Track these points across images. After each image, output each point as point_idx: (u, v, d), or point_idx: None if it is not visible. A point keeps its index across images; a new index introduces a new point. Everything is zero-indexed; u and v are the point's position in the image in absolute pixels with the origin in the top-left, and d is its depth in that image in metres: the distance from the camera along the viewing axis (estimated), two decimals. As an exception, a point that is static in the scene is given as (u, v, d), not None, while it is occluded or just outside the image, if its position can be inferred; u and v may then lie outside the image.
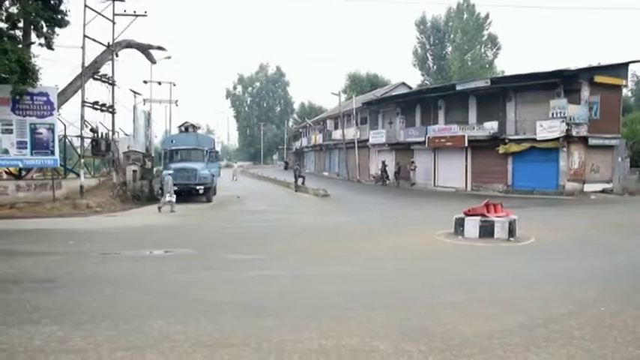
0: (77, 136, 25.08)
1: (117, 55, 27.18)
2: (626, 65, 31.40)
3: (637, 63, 33.35)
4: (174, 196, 21.93)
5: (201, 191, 25.00)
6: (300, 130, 78.30)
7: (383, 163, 40.17)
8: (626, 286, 8.32)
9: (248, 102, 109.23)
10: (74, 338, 5.54)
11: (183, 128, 30.64)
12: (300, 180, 34.10)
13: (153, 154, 34.48)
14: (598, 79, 28.80)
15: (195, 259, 11.08)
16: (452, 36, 71.60)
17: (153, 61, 32.38)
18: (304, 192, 31.78)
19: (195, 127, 31.50)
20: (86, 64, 24.41)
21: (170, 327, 5.93)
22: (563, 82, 28.29)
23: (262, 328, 5.94)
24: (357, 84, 75.86)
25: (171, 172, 24.82)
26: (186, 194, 24.93)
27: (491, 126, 30.81)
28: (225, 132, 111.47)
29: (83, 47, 23.96)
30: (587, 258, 11.20)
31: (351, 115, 49.33)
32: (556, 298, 7.55)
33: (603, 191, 28.95)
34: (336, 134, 52.39)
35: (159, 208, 21.78)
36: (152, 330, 5.85)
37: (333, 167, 56.91)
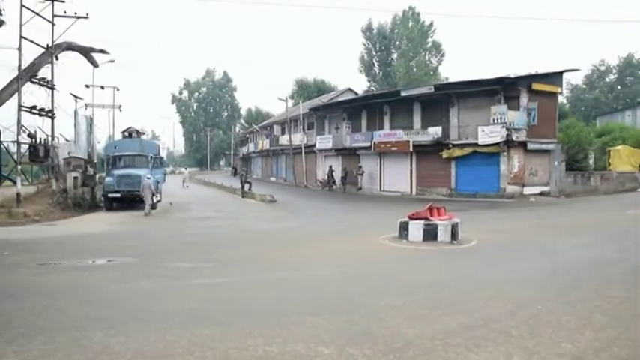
0: (14, 142, 24.15)
1: (57, 58, 26.41)
2: (560, 74, 32.64)
3: (571, 72, 34.79)
4: (156, 197, 23.35)
5: None
6: (247, 135, 77.88)
7: (330, 168, 40.32)
8: (561, 285, 8.64)
9: (194, 107, 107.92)
10: (7, 354, 5.31)
11: (127, 134, 30.00)
12: (246, 186, 33.87)
13: (95, 161, 33.55)
14: (535, 86, 29.79)
15: (139, 268, 10.83)
16: (397, 43, 72.79)
17: (95, 65, 31.61)
18: (251, 198, 31.56)
19: (139, 133, 30.92)
20: (23, 67, 23.58)
21: (110, 338, 5.76)
22: (503, 89, 29.08)
23: (207, 337, 5.86)
24: (304, 89, 76.11)
25: (113, 178, 24.33)
26: (130, 201, 24.40)
27: (435, 131, 31.36)
28: (171, 138, 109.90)
29: (20, 49, 23.11)
30: (526, 259, 11.57)
31: (298, 120, 49.33)
32: (496, 298, 7.75)
33: (541, 194, 29.90)
34: (283, 140, 52.33)
35: (145, 214, 22.47)
36: (91, 342, 5.66)
37: (280, 173, 56.79)
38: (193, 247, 13.99)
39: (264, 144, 61.05)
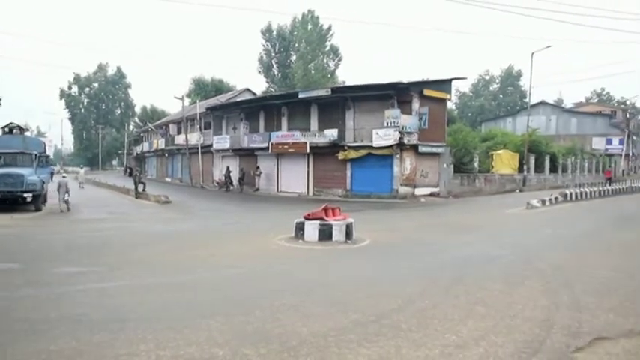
0: None
1: None
2: (450, 81, 34.33)
3: (459, 80, 36.73)
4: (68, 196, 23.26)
5: (29, 199, 22.80)
6: (142, 134, 75.37)
7: (227, 168, 39.86)
8: (447, 280, 9.12)
9: (85, 103, 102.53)
10: None
11: (7, 130, 27.98)
12: (140, 186, 32.72)
13: (-30, 159, 30.94)
14: (427, 92, 31.14)
15: (20, 274, 10.04)
16: (296, 45, 73.32)
17: (-30, 55, 29.22)
18: (145, 199, 30.50)
19: (22, 129, 28.92)
20: None
21: (-15, 351, 5.37)
22: (396, 94, 30.14)
23: (95, 344, 5.62)
24: (202, 88, 74.87)
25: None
26: (12, 203, 22.75)
27: (331, 133, 31.89)
28: (59, 135, 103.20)
29: None
30: (416, 256, 12.08)
31: (194, 119, 48.41)
32: (387, 295, 8.04)
33: (431, 195, 31.31)
34: (179, 139, 51.10)
35: (61, 211, 22.81)
36: (-37, 356, 5.26)
37: (175, 173, 55.43)
38: (83, 251, 13.25)
39: (160, 143, 59.32)
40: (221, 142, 42.38)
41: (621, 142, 64.27)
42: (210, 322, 6.47)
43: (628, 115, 70.44)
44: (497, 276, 9.52)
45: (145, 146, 69.07)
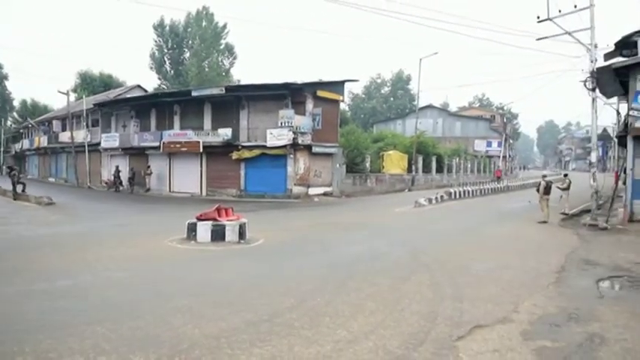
0: None
1: None
2: (342, 83, 35.21)
3: (352, 82, 37.72)
4: None
5: None
6: (22, 130, 70.50)
7: (116, 168, 38.28)
8: (339, 278, 9.41)
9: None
10: None
11: None
12: (19, 187, 30.60)
13: None
14: (320, 93, 31.69)
15: None
16: (190, 42, 71.80)
17: None
18: (25, 200, 28.56)
19: None
20: None
21: None
22: (290, 95, 30.40)
23: (-36, 359, 5.27)
24: (89, 83, 71.08)
25: None
26: None
27: (225, 132, 31.60)
28: None
29: None
30: (309, 255, 12.34)
31: (81, 116, 45.99)
32: (280, 294, 8.19)
33: (325, 194, 31.88)
34: (64, 137, 48.35)
35: None
36: None
37: (60, 172, 52.41)
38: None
39: (42, 141, 55.74)
40: (110, 140, 40.66)
41: (500, 145, 69.06)
42: (96, 329, 6.27)
43: (505, 120, 75.82)
44: (386, 272, 9.96)
45: (25, 143, 64.67)
